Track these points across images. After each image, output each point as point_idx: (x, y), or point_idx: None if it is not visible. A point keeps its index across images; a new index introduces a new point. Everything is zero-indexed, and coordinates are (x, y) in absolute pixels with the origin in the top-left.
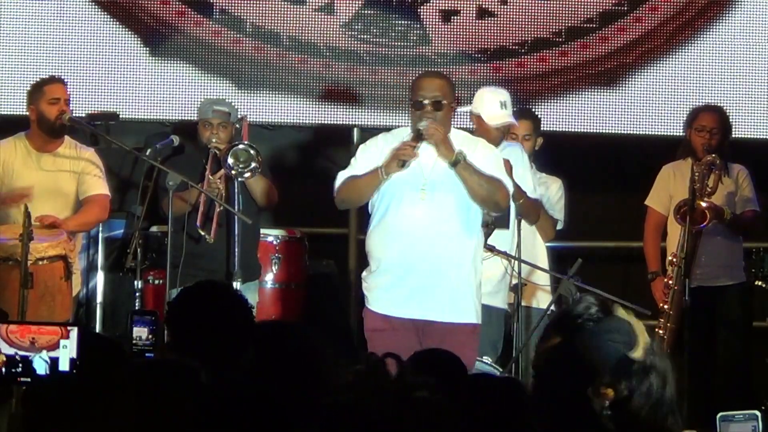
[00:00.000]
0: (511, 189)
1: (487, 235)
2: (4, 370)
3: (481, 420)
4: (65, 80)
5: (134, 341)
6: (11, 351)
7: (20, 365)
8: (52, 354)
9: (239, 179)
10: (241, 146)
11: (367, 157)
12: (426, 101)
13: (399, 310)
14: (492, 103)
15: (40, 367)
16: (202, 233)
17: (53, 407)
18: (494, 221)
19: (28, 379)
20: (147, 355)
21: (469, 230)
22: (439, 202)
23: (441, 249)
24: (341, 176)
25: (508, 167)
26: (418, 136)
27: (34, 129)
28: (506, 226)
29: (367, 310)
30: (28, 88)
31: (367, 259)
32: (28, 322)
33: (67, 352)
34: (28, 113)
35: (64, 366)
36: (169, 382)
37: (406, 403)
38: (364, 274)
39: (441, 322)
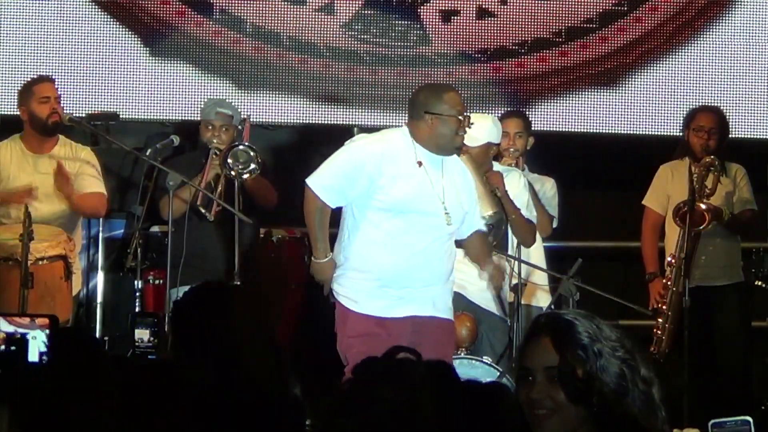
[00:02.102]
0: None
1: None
2: (3, 347)
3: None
4: (54, 79)
5: (136, 343)
6: (11, 329)
7: (17, 344)
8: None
9: (238, 180)
10: (240, 147)
11: (354, 169)
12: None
13: (395, 311)
14: None
15: (40, 346)
16: (203, 210)
17: (38, 399)
18: (494, 238)
19: None
20: (149, 357)
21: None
22: (453, 223)
23: (447, 263)
24: (321, 185)
25: (501, 181)
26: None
27: (28, 130)
28: (505, 248)
29: (353, 313)
30: (19, 89)
31: None
32: (18, 314)
33: None
34: (19, 114)
35: None
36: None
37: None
38: (344, 277)
39: (433, 316)
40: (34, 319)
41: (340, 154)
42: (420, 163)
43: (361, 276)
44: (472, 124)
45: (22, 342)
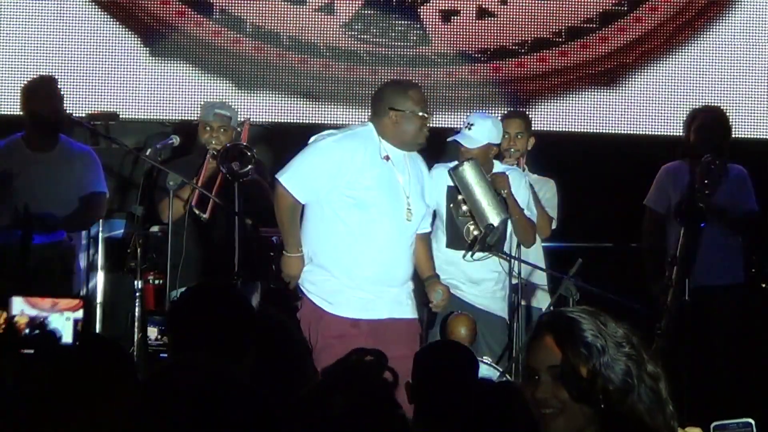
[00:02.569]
0: None
1: (479, 249)
2: (28, 331)
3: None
4: (57, 79)
5: (148, 342)
6: (34, 312)
7: (40, 328)
8: (76, 316)
9: (236, 180)
10: (238, 147)
11: (327, 165)
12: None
13: (368, 312)
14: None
15: (63, 328)
16: (197, 212)
17: (53, 381)
18: (490, 242)
19: (31, 351)
20: (161, 355)
21: None
22: (414, 219)
23: (411, 262)
24: (293, 182)
25: (506, 183)
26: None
27: (29, 128)
28: (501, 250)
29: (327, 314)
30: (21, 89)
31: None
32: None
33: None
34: (22, 113)
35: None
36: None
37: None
38: (314, 274)
39: (402, 318)
40: (56, 303)
41: (312, 150)
42: (387, 158)
43: (331, 276)
44: (471, 125)
45: (43, 325)
